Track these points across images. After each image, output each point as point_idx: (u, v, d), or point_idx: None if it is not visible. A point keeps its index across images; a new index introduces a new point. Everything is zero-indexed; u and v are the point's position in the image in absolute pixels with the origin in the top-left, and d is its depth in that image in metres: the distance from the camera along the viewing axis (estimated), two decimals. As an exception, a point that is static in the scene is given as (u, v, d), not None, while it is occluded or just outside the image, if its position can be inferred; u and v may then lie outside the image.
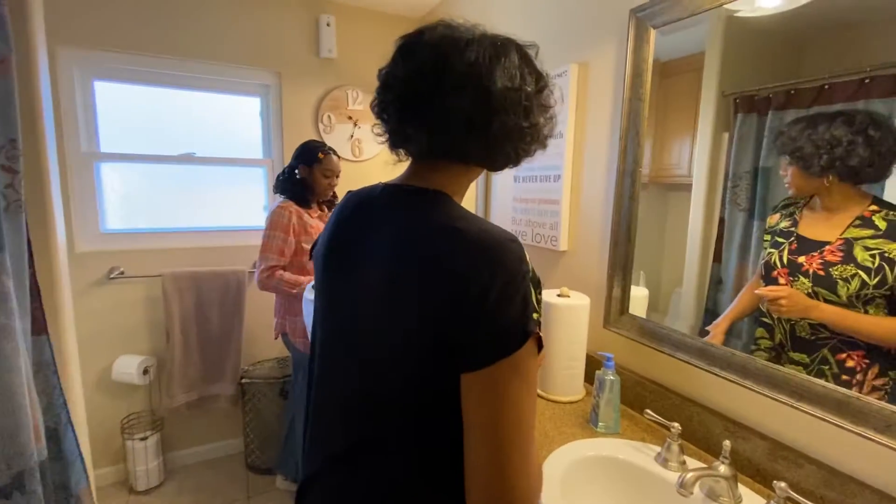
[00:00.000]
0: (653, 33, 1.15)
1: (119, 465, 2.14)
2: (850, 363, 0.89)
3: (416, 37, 0.60)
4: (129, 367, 2.01)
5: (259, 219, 2.36)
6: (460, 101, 0.56)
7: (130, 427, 2.10)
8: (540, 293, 0.57)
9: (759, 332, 1.04)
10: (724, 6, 1.02)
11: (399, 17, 2.42)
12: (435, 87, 0.57)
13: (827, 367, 0.91)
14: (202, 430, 2.31)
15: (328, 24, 2.19)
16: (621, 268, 1.27)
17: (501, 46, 0.58)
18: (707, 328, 1.14)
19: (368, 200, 0.67)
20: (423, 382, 0.57)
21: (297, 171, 1.85)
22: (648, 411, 1.06)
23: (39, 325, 1.20)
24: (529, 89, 0.59)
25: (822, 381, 0.87)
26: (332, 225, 0.71)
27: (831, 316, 0.91)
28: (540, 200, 1.58)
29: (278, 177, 1.90)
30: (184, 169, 2.19)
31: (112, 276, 2.02)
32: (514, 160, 0.64)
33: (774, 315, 0.99)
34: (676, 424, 0.98)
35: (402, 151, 0.66)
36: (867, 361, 0.87)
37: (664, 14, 1.11)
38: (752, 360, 0.98)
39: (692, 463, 0.99)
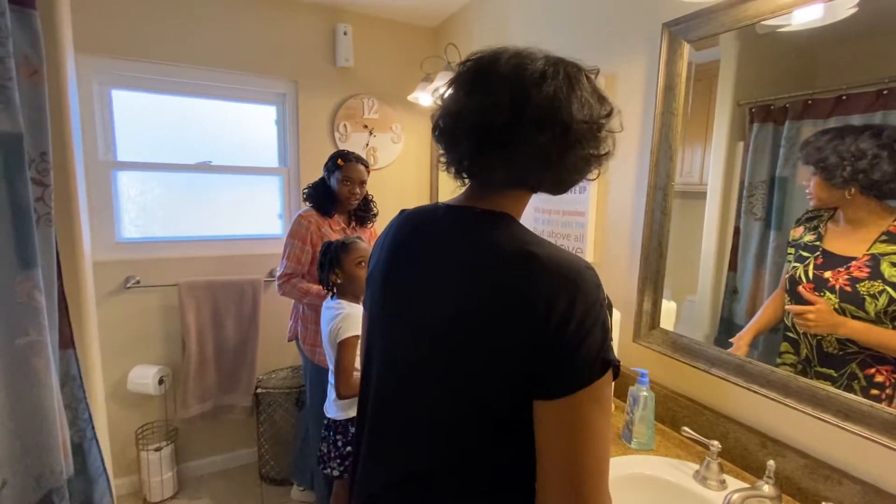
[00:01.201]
0: (686, 47, 1.15)
1: (133, 477, 2.12)
2: (878, 378, 0.89)
3: (486, 65, 0.59)
4: (144, 377, 2.00)
5: (275, 227, 2.35)
6: (540, 136, 0.55)
7: (145, 438, 2.08)
8: (611, 316, 0.57)
9: (784, 346, 1.03)
10: (763, 22, 1.01)
11: (416, 27, 2.42)
12: (514, 122, 0.56)
13: (855, 382, 0.90)
14: (216, 440, 2.29)
15: (345, 33, 2.18)
16: (652, 282, 1.26)
17: (574, 77, 0.58)
18: (731, 340, 1.14)
19: (430, 221, 0.67)
20: (496, 407, 0.56)
21: (326, 180, 1.86)
22: (686, 429, 1.05)
23: (66, 339, 1.19)
24: (602, 121, 0.59)
25: (869, 402, 0.86)
26: (390, 245, 0.70)
27: (859, 332, 0.90)
28: (564, 212, 1.57)
29: (308, 185, 1.92)
30: (200, 177, 2.18)
31: (128, 285, 2.01)
32: (576, 184, 0.63)
33: (801, 330, 0.99)
34: (716, 442, 0.97)
35: (466, 178, 0.65)
36: (896, 376, 0.87)
37: (699, 28, 1.11)
38: (794, 379, 0.97)
39: (731, 481, 0.98)
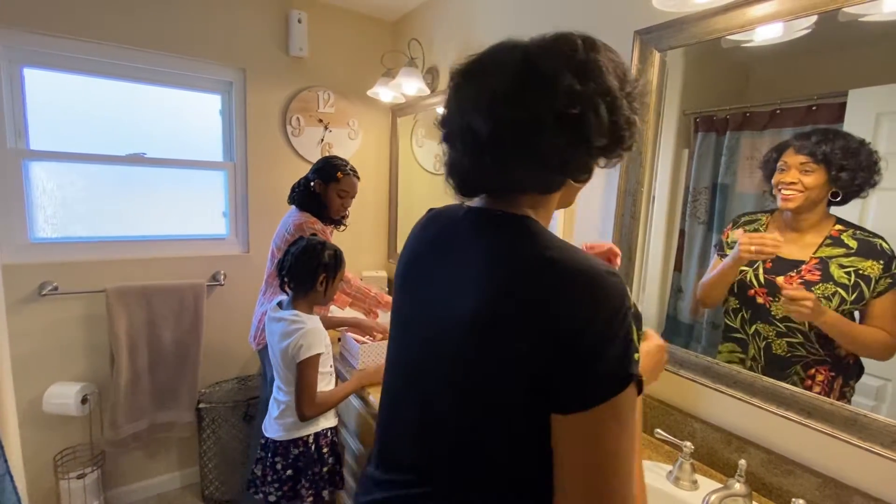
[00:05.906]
0: (657, 56, 1.17)
1: (50, 509, 1.86)
2: (819, 377, 0.95)
3: (472, 65, 0.59)
4: (64, 395, 1.75)
5: (219, 227, 2.16)
6: (555, 138, 0.53)
7: (65, 464, 1.84)
8: (640, 329, 0.54)
9: (730, 346, 1.08)
10: (728, 37, 1.05)
11: (375, 19, 2.33)
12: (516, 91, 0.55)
13: (799, 380, 0.97)
14: (151, 462, 2.07)
15: (299, 21, 2.05)
16: (621, 285, 1.28)
17: (580, 58, 0.58)
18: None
19: (452, 223, 0.64)
20: (511, 418, 0.53)
21: (312, 185, 1.76)
22: (659, 431, 1.07)
23: (-30, 360, 1.01)
24: (632, 81, 0.58)
25: (830, 399, 0.91)
26: (412, 246, 0.69)
27: (834, 321, 0.92)
28: (531, 215, 1.57)
29: (294, 188, 1.81)
30: (132, 171, 1.96)
31: (43, 292, 1.76)
32: (614, 156, 0.61)
33: (793, 316, 0.97)
34: (689, 443, 1.00)
35: (478, 182, 0.61)
36: (833, 374, 0.93)
37: (671, 38, 1.13)
38: (759, 378, 1.01)
39: (701, 480, 1.00)
